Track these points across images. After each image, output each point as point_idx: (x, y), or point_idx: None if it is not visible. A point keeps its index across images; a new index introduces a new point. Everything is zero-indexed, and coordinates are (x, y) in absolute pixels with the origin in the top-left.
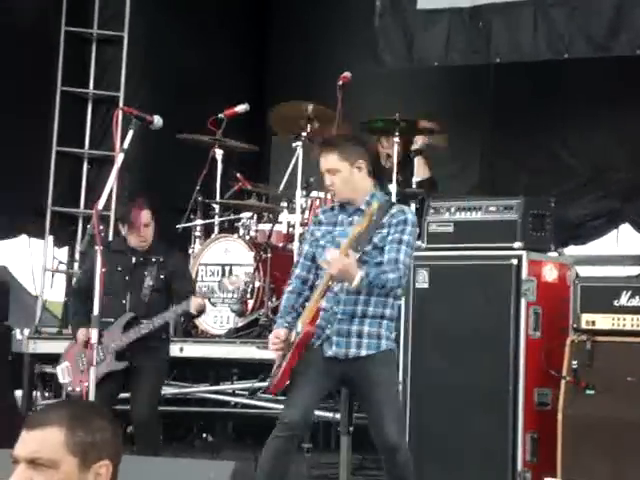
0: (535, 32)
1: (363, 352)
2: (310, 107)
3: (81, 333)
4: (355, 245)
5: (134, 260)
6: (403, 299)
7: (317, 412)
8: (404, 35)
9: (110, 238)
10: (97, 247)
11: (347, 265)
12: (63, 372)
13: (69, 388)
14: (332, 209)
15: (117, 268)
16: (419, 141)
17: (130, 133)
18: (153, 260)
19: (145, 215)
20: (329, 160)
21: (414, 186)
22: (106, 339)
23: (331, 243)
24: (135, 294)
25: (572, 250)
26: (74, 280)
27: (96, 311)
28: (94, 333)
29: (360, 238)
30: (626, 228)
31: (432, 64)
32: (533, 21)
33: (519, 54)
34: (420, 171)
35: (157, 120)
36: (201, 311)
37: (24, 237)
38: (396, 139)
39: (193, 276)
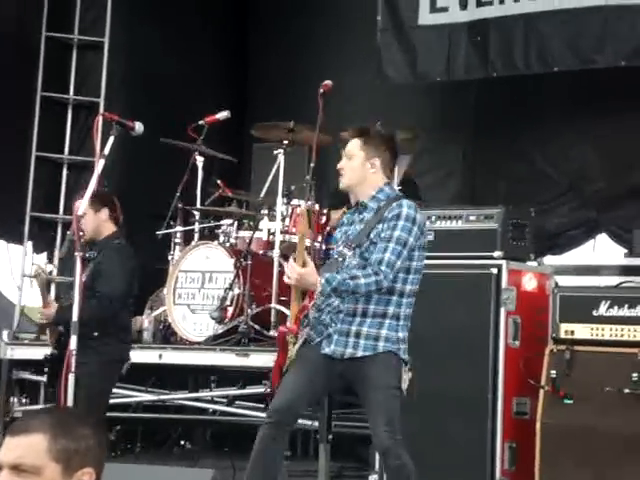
0: (526, 46)
1: (359, 353)
2: (291, 124)
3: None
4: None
5: (85, 259)
6: None
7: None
8: (406, 51)
9: None
10: (77, 253)
11: (302, 274)
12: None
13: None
14: (355, 209)
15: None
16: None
17: (111, 139)
18: (91, 257)
19: (78, 205)
20: (351, 144)
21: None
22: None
23: (345, 243)
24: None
25: (549, 260)
26: None
27: (75, 317)
28: (73, 339)
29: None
30: (603, 238)
31: (434, 79)
32: (524, 35)
33: (513, 68)
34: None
35: (138, 127)
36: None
37: (2, 243)
38: None
39: (173, 283)
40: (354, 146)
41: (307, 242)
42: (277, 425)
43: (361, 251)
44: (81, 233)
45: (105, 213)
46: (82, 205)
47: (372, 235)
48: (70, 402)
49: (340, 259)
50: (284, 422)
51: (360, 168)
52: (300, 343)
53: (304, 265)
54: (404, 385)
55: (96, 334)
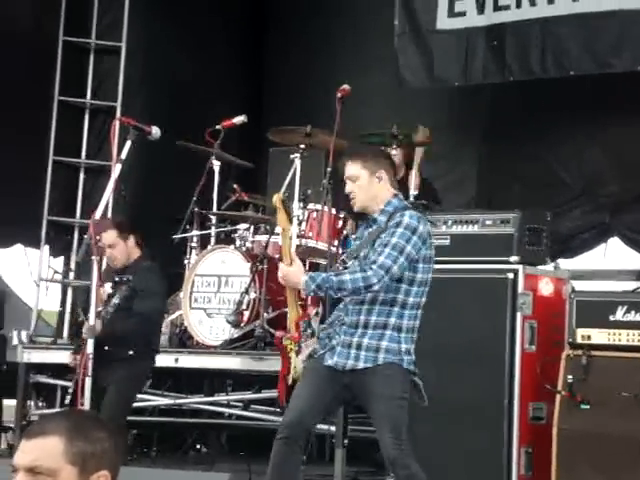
0: (543, 50)
1: (360, 365)
2: (307, 129)
3: (71, 358)
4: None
5: (115, 281)
6: None
7: None
8: (423, 55)
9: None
10: (93, 257)
11: (286, 273)
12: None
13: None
14: (367, 224)
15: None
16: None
17: (128, 143)
18: (124, 279)
19: (106, 237)
20: (351, 168)
21: (411, 199)
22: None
23: (349, 253)
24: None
25: (561, 263)
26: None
27: (92, 321)
28: (90, 343)
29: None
30: (615, 242)
31: (452, 84)
32: (541, 39)
33: (529, 73)
34: (416, 182)
35: (155, 131)
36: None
37: (19, 246)
38: (394, 152)
39: (189, 287)
40: (355, 168)
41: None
42: (289, 440)
43: (361, 259)
44: (114, 263)
45: (132, 240)
46: (106, 237)
47: (376, 245)
48: (87, 405)
49: (341, 267)
50: (296, 437)
51: (368, 185)
52: (307, 355)
53: (292, 263)
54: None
55: (131, 352)
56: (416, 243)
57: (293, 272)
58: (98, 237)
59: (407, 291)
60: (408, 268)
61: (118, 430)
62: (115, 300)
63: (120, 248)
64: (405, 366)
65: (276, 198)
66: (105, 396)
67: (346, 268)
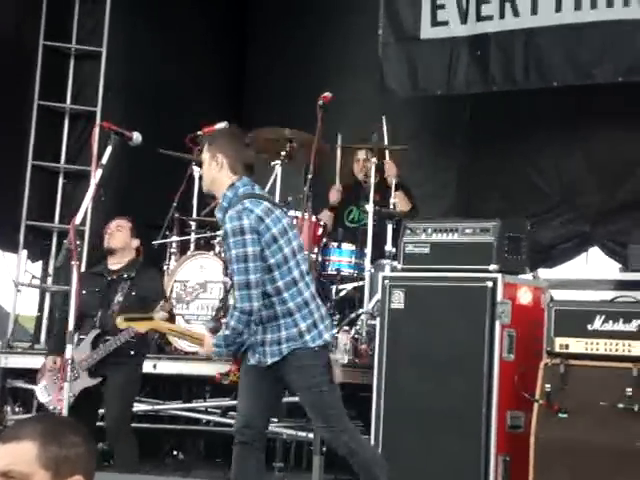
0: (526, 61)
1: (268, 360)
2: (287, 131)
3: (50, 360)
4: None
5: (109, 279)
6: (378, 319)
7: (289, 431)
8: (408, 64)
9: (85, 253)
10: (73, 262)
11: (207, 351)
12: (42, 392)
13: (50, 407)
14: None
15: (95, 289)
16: (391, 174)
17: (109, 149)
18: (125, 276)
19: (119, 220)
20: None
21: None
22: (77, 356)
23: None
24: (104, 311)
25: (541, 273)
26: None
27: (71, 326)
28: (68, 349)
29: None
30: (595, 251)
31: (436, 93)
32: (524, 50)
33: (512, 83)
34: (403, 205)
35: (136, 136)
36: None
37: None
38: (373, 159)
39: (168, 293)
40: (204, 151)
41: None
42: (243, 445)
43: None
44: (111, 244)
45: (136, 243)
46: (117, 220)
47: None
48: (65, 411)
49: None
50: (248, 440)
51: (208, 168)
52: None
53: (201, 341)
54: (337, 372)
55: (132, 352)
56: (253, 240)
57: (207, 347)
58: (110, 225)
59: (271, 279)
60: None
61: (119, 436)
62: (118, 298)
63: (124, 235)
64: (311, 345)
65: (119, 321)
66: (106, 404)
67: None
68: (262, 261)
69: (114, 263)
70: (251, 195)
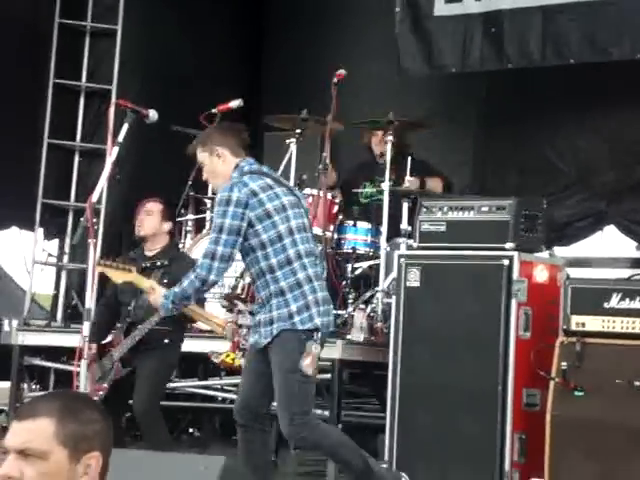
0: (543, 38)
1: (262, 341)
2: (304, 113)
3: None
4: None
5: (143, 265)
6: (393, 297)
7: None
8: (422, 42)
9: (101, 230)
10: (90, 240)
11: (153, 301)
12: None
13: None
14: None
15: None
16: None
17: (125, 126)
18: (158, 264)
19: (149, 204)
20: (198, 156)
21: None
22: (114, 346)
23: None
24: (136, 301)
25: (557, 251)
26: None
27: (88, 304)
28: (85, 327)
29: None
30: (611, 230)
31: (450, 71)
32: (541, 27)
33: (528, 60)
34: (438, 188)
35: (152, 114)
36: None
37: (14, 229)
38: (389, 138)
39: None
40: (200, 155)
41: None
42: (243, 427)
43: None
44: (139, 229)
45: (169, 226)
46: (149, 203)
47: None
48: (83, 388)
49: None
50: (247, 423)
51: (211, 166)
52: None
53: (153, 291)
54: (306, 362)
55: (167, 341)
56: (235, 213)
57: (154, 299)
58: (141, 208)
59: (265, 255)
60: (249, 236)
61: (146, 417)
62: None
63: (154, 220)
64: (299, 327)
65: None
66: (137, 384)
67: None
68: (254, 236)
69: (148, 249)
70: (254, 172)
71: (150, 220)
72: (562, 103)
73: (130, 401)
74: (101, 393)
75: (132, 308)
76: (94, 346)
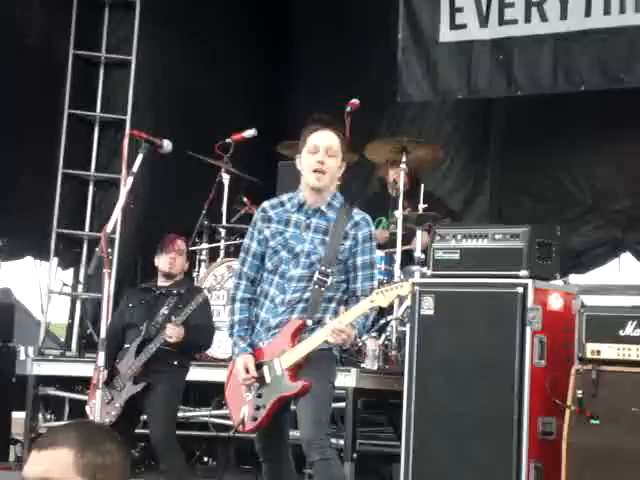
0: (554, 66)
1: None
2: None
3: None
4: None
5: (157, 292)
6: (408, 325)
7: None
8: (427, 68)
9: (115, 259)
10: (105, 270)
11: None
12: (91, 411)
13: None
14: (282, 204)
15: (141, 302)
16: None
17: (140, 157)
18: (174, 292)
19: (180, 242)
20: (332, 139)
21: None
22: (122, 367)
23: (283, 246)
24: (149, 322)
25: (573, 279)
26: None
27: (103, 334)
28: (100, 356)
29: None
30: (627, 257)
31: (456, 97)
32: (552, 55)
33: (538, 87)
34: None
35: (166, 144)
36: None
37: (29, 259)
38: (403, 165)
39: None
40: (336, 143)
41: None
42: (267, 462)
43: (330, 277)
44: (171, 267)
45: (187, 266)
46: (179, 242)
47: (340, 256)
48: (97, 418)
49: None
50: (271, 457)
51: (338, 170)
52: None
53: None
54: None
55: (175, 363)
56: (251, 234)
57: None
58: (168, 240)
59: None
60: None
61: (163, 443)
62: (164, 311)
63: (183, 260)
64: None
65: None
66: (150, 410)
67: (276, 252)
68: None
69: (166, 267)
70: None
71: (181, 260)
72: (578, 130)
73: (136, 429)
74: (114, 413)
75: (144, 328)
76: (105, 372)
